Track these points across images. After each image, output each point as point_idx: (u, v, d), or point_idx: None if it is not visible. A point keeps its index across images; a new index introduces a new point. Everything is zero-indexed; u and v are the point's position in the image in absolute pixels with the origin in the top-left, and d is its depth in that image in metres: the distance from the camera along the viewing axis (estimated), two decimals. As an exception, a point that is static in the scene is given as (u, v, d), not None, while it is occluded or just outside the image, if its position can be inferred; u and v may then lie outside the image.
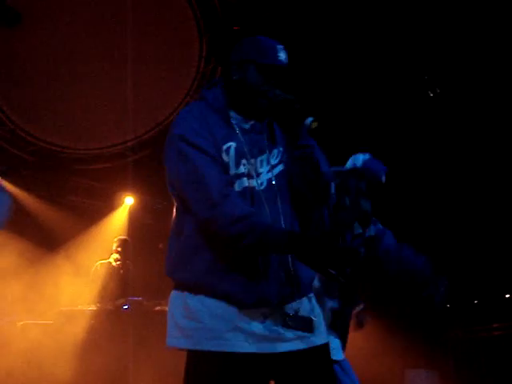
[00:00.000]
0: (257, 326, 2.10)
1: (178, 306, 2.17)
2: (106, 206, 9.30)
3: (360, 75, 7.10)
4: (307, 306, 2.23)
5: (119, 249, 7.24)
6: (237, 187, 2.12)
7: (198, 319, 2.10)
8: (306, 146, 2.17)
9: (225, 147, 2.13)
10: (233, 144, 2.14)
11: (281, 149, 2.27)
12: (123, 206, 9.31)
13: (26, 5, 7.40)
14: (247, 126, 2.24)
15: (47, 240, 8.57)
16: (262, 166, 2.20)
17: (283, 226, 2.16)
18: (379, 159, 3.21)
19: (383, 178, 3.03)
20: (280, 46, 2.24)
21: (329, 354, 2.26)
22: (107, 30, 7.76)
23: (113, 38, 7.77)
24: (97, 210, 9.29)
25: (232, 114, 2.23)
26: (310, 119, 2.10)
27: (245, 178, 2.14)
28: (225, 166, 2.11)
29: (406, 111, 7.28)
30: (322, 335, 2.23)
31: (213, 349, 2.07)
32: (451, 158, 7.22)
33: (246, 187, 2.13)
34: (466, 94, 7.09)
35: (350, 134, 6.83)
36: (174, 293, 2.22)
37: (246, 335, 2.08)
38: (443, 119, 7.16)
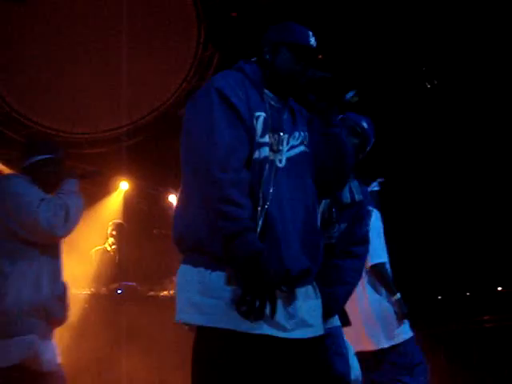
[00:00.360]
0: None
1: (192, 281, 2.14)
2: (101, 191, 9.27)
3: (357, 67, 7.09)
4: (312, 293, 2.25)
5: (114, 232, 7.23)
6: (257, 155, 2.14)
7: (216, 296, 2.07)
8: (337, 125, 2.29)
9: (256, 114, 2.18)
10: (263, 114, 2.20)
11: (302, 133, 2.32)
12: (118, 190, 9.29)
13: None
14: (276, 105, 2.30)
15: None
16: (283, 144, 2.24)
17: (296, 205, 2.19)
18: (377, 152, 3.22)
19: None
20: (310, 32, 2.34)
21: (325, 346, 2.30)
22: (104, 15, 7.73)
23: (109, 23, 7.73)
24: (91, 195, 9.23)
25: (266, 91, 2.29)
26: (351, 93, 2.21)
27: (267, 148, 2.17)
28: (252, 132, 2.15)
29: (404, 102, 7.28)
30: (320, 327, 2.25)
31: (231, 327, 2.03)
32: (447, 151, 7.23)
33: (267, 158, 2.16)
34: (463, 85, 7.09)
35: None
36: (185, 267, 2.19)
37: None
38: (440, 111, 7.16)
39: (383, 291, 3.80)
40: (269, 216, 2.10)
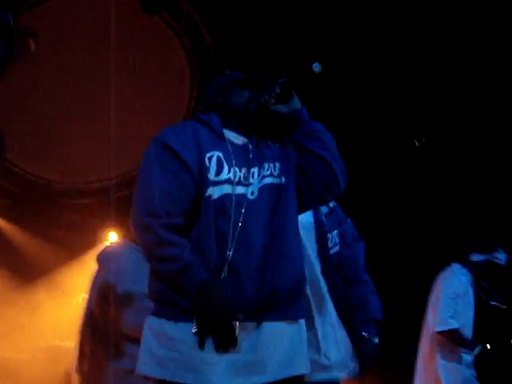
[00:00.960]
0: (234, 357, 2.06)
1: (153, 332, 2.16)
2: (90, 241, 9.22)
3: (347, 123, 7.16)
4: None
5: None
6: (215, 194, 2.18)
7: (174, 348, 2.08)
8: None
9: (208, 155, 2.22)
10: (217, 153, 2.25)
11: (272, 164, 2.36)
12: (107, 241, 9.24)
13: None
14: (239, 142, 2.36)
15: (29, 272, 8.47)
16: (253, 177, 2.28)
17: (264, 238, 2.19)
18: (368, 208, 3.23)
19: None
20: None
21: None
22: (95, 66, 7.79)
23: (100, 74, 7.80)
24: (80, 245, 9.21)
25: (225, 131, 2.36)
26: (315, 64, 2.35)
27: (226, 185, 2.21)
28: (203, 172, 2.19)
29: (393, 160, 7.32)
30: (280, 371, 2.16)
31: (189, 382, 2.03)
32: (437, 209, 7.23)
33: (228, 194, 2.19)
34: (452, 143, 7.15)
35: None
36: (150, 318, 2.21)
37: (223, 368, 2.04)
38: (429, 169, 7.20)
39: (458, 353, 3.73)
40: (235, 255, 2.13)
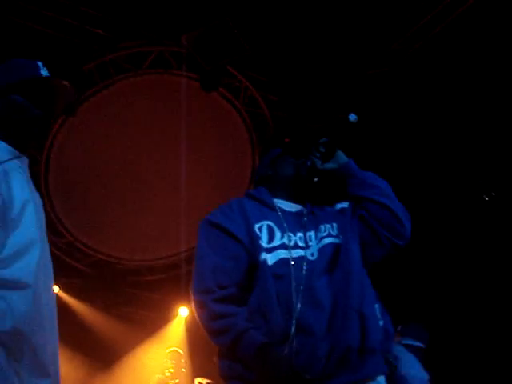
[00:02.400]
0: None
1: None
2: (161, 318, 9.27)
3: (413, 179, 7.10)
4: None
5: (173, 361, 7.15)
6: (270, 260, 2.19)
7: None
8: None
9: (257, 225, 2.26)
10: (267, 222, 2.29)
11: (328, 225, 2.37)
12: (178, 317, 9.25)
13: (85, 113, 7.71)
14: (292, 209, 2.40)
15: (102, 352, 8.54)
16: (311, 239, 2.30)
17: (331, 297, 2.16)
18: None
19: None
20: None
21: None
22: (164, 142, 8.02)
23: (167, 150, 8.02)
24: (151, 322, 9.26)
25: (276, 201, 2.40)
26: (351, 115, 2.36)
27: (282, 250, 2.22)
28: (255, 242, 2.21)
29: (462, 215, 7.16)
30: None
31: None
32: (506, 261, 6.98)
33: (285, 258, 2.20)
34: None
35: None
36: None
37: None
38: (499, 223, 7.00)
39: None
40: (303, 315, 2.10)
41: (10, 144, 2.11)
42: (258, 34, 6.91)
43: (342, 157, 2.42)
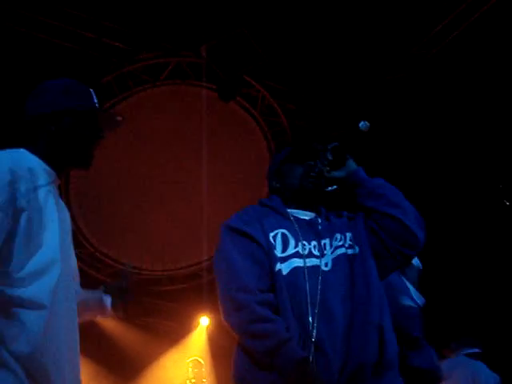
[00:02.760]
0: None
1: None
2: (182, 327, 9.27)
3: (432, 185, 7.07)
4: None
5: (195, 370, 7.16)
6: (285, 269, 2.17)
7: None
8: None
9: (272, 234, 2.24)
10: (281, 230, 2.27)
11: (343, 234, 2.33)
12: (199, 327, 9.25)
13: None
14: (306, 217, 2.37)
15: (124, 363, 8.55)
16: (325, 248, 2.27)
17: (345, 309, 2.14)
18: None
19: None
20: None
21: None
22: (183, 152, 8.06)
23: (188, 159, 8.06)
24: (172, 331, 9.26)
25: (290, 210, 2.37)
26: (361, 123, 2.29)
27: (296, 259, 2.20)
28: (270, 250, 2.19)
29: (484, 220, 7.10)
30: None
31: None
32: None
33: (299, 267, 2.18)
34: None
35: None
36: None
37: None
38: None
39: None
40: (318, 328, 2.08)
41: (50, 165, 2.15)
42: (275, 42, 6.93)
43: (351, 164, 2.36)
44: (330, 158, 2.32)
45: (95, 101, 2.32)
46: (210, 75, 7.47)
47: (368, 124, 2.28)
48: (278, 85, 7.94)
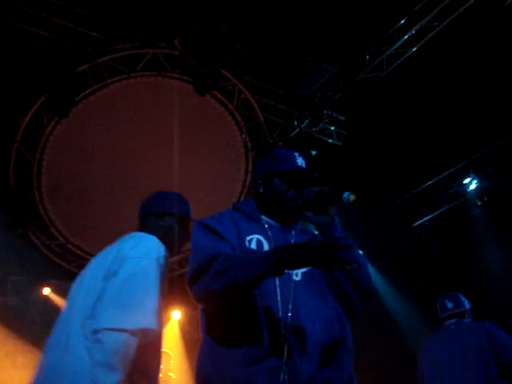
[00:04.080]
0: None
1: None
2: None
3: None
4: None
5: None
6: None
7: None
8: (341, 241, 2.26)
9: (248, 238, 2.27)
10: (257, 236, 2.28)
11: None
12: (171, 320, 9.25)
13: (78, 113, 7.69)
14: (277, 225, 2.37)
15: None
16: None
17: (316, 323, 2.14)
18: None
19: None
20: (297, 153, 2.43)
21: None
22: (158, 145, 8.02)
23: (161, 152, 8.02)
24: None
25: (263, 217, 2.38)
26: (347, 193, 2.18)
27: None
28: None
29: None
30: None
31: None
32: None
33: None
34: None
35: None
36: None
37: None
38: None
39: None
40: (290, 337, 2.08)
41: None
42: (252, 36, 6.92)
43: (329, 215, 2.27)
44: (310, 202, 2.25)
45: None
46: (186, 68, 7.44)
47: (353, 197, 2.17)
48: (255, 79, 7.95)
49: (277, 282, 2.16)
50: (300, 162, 2.39)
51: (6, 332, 8.17)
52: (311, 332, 2.11)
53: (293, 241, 2.33)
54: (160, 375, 6.82)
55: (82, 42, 7.11)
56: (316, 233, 2.42)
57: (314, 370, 2.05)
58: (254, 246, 2.24)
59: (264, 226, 2.33)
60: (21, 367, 7.88)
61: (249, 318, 2.10)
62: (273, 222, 2.37)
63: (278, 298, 2.14)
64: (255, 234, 2.28)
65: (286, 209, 2.34)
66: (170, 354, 7.44)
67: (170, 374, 7.16)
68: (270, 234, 2.30)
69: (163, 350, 7.41)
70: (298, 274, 2.22)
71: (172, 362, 7.37)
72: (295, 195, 2.33)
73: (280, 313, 2.11)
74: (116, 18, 7.10)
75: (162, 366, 6.89)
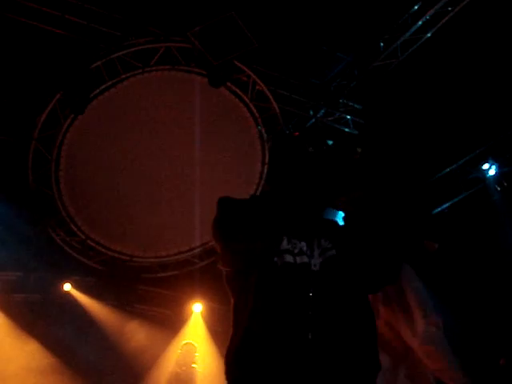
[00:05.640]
0: None
1: None
2: (175, 314, 9.30)
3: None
4: None
5: (187, 353, 7.17)
6: (279, 262, 2.22)
7: None
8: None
9: (270, 226, 2.26)
10: (277, 225, 2.27)
11: (332, 238, 2.34)
12: (194, 313, 9.27)
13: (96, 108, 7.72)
14: (297, 217, 2.35)
15: (117, 350, 8.57)
16: (314, 249, 2.28)
17: (336, 312, 2.16)
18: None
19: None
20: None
21: None
22: (174, 138, 8.01)
23: (179, 145, 8.02)
24: (165, 318, 9.29)
25: (284, 207, 2.35)
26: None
27: (287, 255, 2.23)
28: (268, 239, 2.24)
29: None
30: None
31: None
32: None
33: (290, 263, 2.21)
34: None
35: None
36: None
37: None
38: None
39: None
40: (312, 330, 2.09)
41: None
42: (265, 27, 6.89)
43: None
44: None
45: None
46: (200, 61, 7.42)
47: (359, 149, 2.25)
48: (269, 70, 7.92)
49: (297, 274, 2.18)
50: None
51: (28, 328, 8.25)
52: (333, 321, 2.13)
53: (310, 229, 2.34)
54: (183, 367, 6.87)
55: (96, 39, 7.12)
56: (333, 217, 2.46)
57: (335, 356, 2.08)
58: (275, 234, 2.25)
59: (283, 218, 2.31)
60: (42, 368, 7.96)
61: (271, 308, 2.13)
62: (292, 213, 2.35)
63: (300, 290, 2.15)
64: (275, 223, 2.27)
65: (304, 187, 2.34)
66: (196, 345, 7.45)
67: (193, 365, 7.17)
68: (289, 226, 2.30)
69: (188, 341, 7.45)
70: (316, 265, 2.23)
71: (197, 354, 7.38)
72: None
73: (302, 306, 2.12)
74: (128, 14, 7.10)
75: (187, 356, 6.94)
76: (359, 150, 2.24)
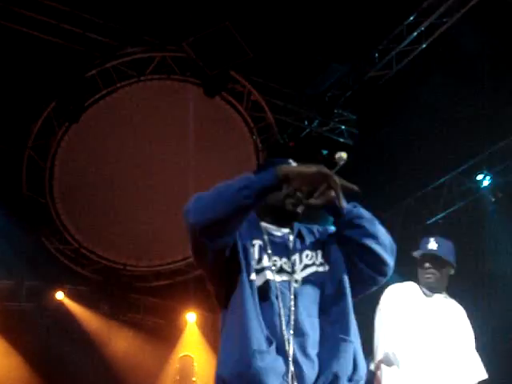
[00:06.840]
0: None
1: None
2: (169, 323, 9.26)
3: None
4: None
5: (184, 366, 7.07)
6: (258, 280, 2.18)
7: None
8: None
9: (252, 242, 2.26)
10: (258, 242, 2.27)
11: (315, 252, 2.31)
12: (188, 324, 9.23)
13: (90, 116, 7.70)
14: (278, 233, 2.34)
15: (108, 359, 8.53)
16: (295, 265, 2.25)
17: (317, 325, 2.16)
18: None
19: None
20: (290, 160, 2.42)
21: None
22: (169, 147, 8.02)
23: (173, 154, 8.02)
24: (159, 328, 9.25)
25: (263, 224, 2.35)
26: (339, 153, 2.21)
27: (268, 272, 2.20)
28: (247, 256, 2.21)
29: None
30: None
31: None
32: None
33: (270, 280, 2.18)
34: None
35: None
36: None
37: None
38: None
39: None
40: (293, 346, 2.08)
41: None
42: (260, 37, 6.91)
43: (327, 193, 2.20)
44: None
45: None
46: (195, 70, 7.44)
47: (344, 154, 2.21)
48: (264, 80, 7.94)
49: (278, 291, 2.16)
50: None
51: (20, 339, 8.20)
52: (312, 338, 2.13)
53: (291, 246, 2.30)
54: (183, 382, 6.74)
55: (91, 48, 7.14)
56: (314, 228, 2.41)
57: (318, 371, 2.08)
58: (257, 251, 2.24)
59: (264, 233, 2.31)
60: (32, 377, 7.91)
61: (247, 323, 2.09)
62: (273, 229, 2.34)
63: (280, 306, 2.14)
64: (256, 239, 2.27)
65: (286, 207, 2.31)
66: (193, 356, 7.35)
67: (193, 379, 7.00)
68: (268, 242, 2.28)
69: (185, 354, 7.35)
70: (297, 281, 2.21)
71: (195, 364, 7.26)
72: (296, 198, 2.28)
73: (283, 323, 2.11)
74: (124, 23, 7.12)
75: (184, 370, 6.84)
76: (344, 155, 2.23)
